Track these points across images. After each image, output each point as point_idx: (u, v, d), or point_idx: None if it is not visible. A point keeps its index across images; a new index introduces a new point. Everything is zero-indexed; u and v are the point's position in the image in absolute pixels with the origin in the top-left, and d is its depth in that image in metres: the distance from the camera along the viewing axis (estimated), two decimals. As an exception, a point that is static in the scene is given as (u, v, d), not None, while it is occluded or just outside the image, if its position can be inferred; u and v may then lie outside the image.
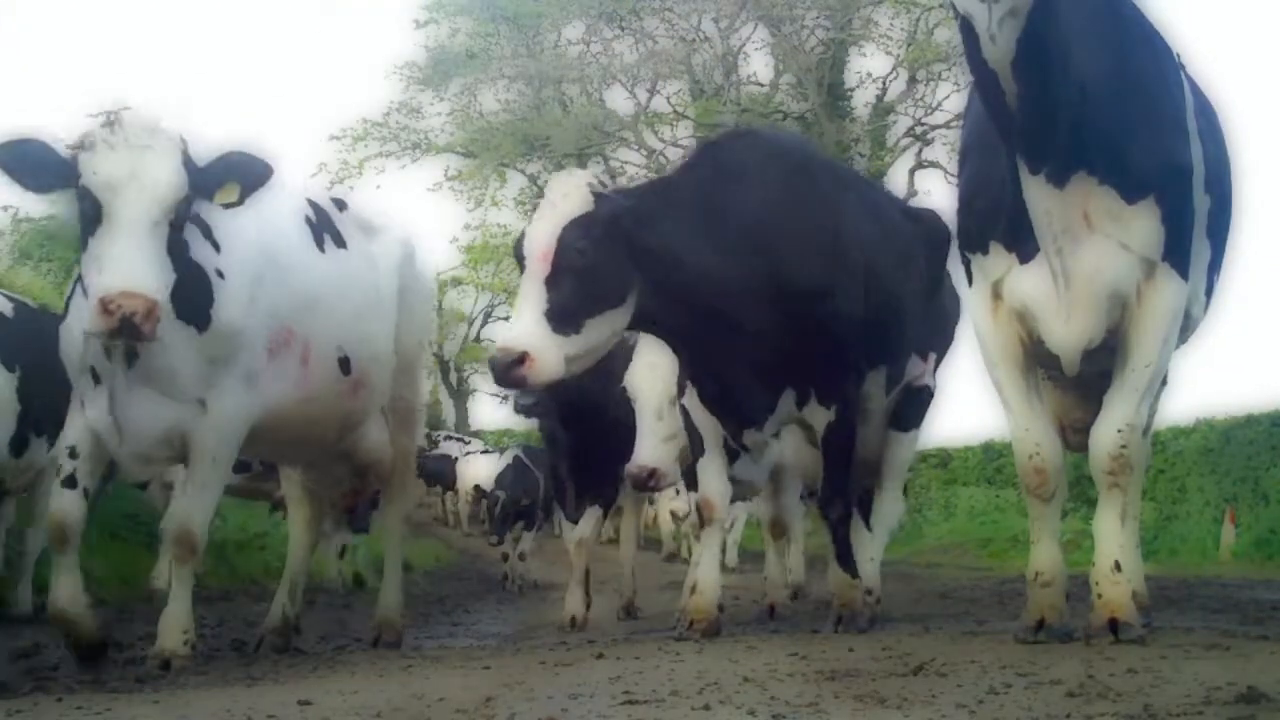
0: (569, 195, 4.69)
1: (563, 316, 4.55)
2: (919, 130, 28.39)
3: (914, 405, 6.15)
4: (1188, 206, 4.03)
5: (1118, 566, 3.97)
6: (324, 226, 5.23)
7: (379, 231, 5.72)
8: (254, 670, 4.45)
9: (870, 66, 27.80)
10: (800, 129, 27.57)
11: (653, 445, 5.85)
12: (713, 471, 5.34)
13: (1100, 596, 3.96)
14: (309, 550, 5.94)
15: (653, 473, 5.80)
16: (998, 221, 4.10)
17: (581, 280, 4.59)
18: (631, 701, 3.00)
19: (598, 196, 4.69)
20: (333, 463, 5.75)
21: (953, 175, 26.29)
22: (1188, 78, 4.37)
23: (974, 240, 4.24)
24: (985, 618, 6.30)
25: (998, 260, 4.12)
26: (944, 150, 27.69)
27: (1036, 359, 4.25)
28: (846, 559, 5.29)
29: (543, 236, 4.60)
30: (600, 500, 7.63)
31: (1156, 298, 3.98)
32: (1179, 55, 4.28)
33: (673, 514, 14.76)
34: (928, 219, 6.28)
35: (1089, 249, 3.91)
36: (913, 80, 28.06)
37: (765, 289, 4.90)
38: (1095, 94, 3.76)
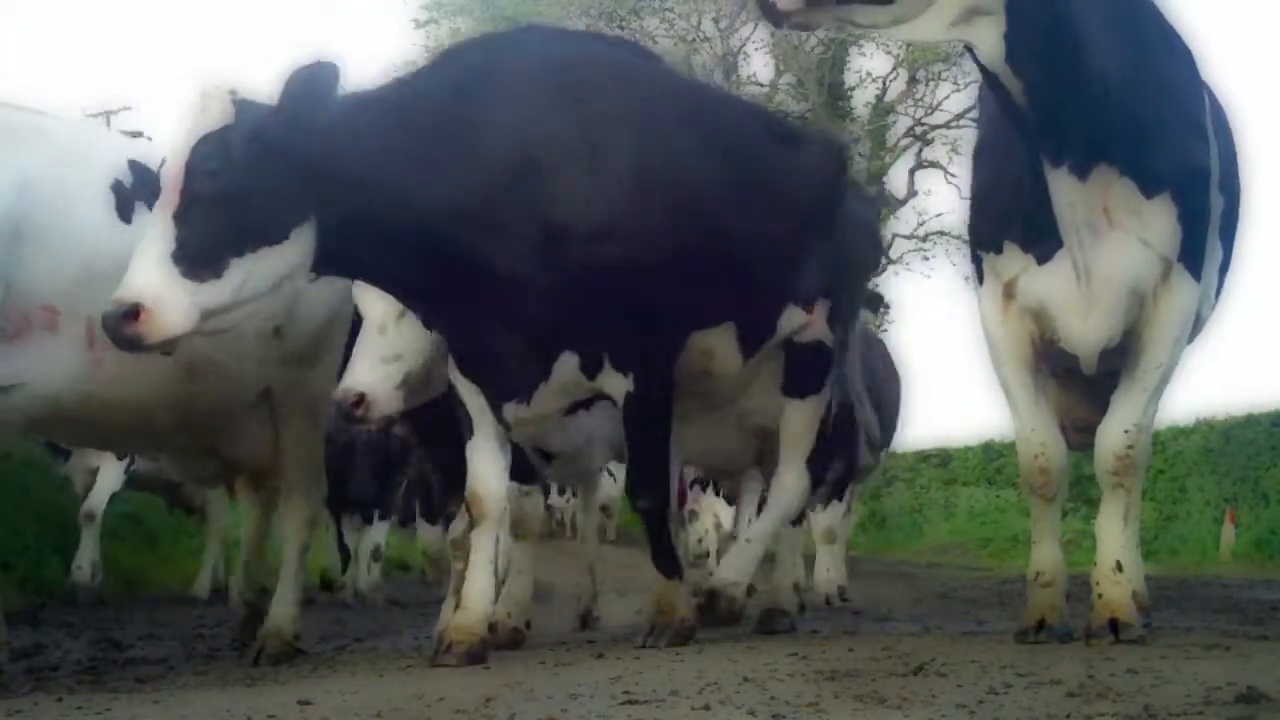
0: (206, 108, 3.83)
1: (195, 257, 3.70)
2: (919, 130, 28.46)
3: (804, 366, 5.14)
4: (1204, 207, 4.03)
5: (1119, 567, 3.97)
6: (140, 193, 4.50)
7: None
8: (254, 670, 4.45)
9: (870, 66, 27.89)
10: (800, 129, 27.58)
11: (368, 365, 4.62)
12: (483, 459, 4.40)
13: (1101, 596, 3.96)
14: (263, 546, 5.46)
15: (362, 398, 4.59)
16: (1013, 221, 4.09)
17: (218, 210, 3.74)
18: (631, 701, 3.00)
19: (241, 105, 3.85)
20: (196, 456, 5.26)
21: (953, 175, 26.39)
22: (1201, 77, 4.37)
23: (987, 239, 4.22)
24: (985, 618, 6.30)
25: (1012, 260, 4.11)
26: (944, 150, 27.76)
27: (1045, 358, 4.25)
28: (664, 556, 4.50)
29: (174, 160, 3.78)
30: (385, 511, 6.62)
31: (1171, 299, 3.98)
32: (1196, 55, 4.27)
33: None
34: (815, 142, 5.34)
35: (1109, 244, 3.90)
36: (913, 80, 28.12)
37: (514, 226, 4.06)
38: (1116, 88, 3.75)
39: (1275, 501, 14.73)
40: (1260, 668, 3.23)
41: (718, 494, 12.97)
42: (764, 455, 5.48)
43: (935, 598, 8.78)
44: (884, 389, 8.46)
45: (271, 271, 3.87)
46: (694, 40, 28.13)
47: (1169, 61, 4.03)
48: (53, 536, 9.11)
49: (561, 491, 15.49)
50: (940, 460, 23.44)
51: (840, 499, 8.10)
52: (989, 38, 3.61)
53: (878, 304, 7.62)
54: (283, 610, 4.98)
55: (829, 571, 8.56)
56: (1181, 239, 3.93)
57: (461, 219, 4.03)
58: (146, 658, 5.11)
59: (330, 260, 4.01)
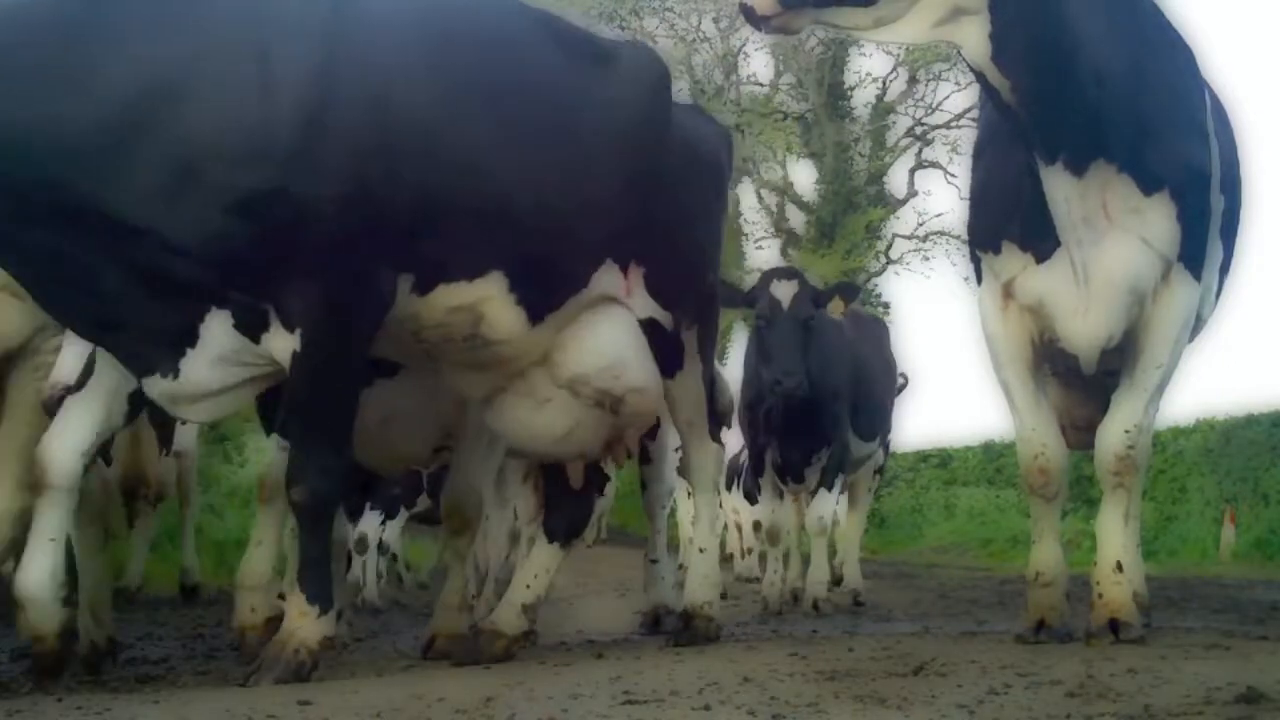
0: None
1: None
2: (919, 130, 28.46)
3: (654, 344, 4.46)
4: (1204, 208, 4.03)
5: (1119, 567, 3.98)
6: None
7: None
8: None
9: (870, 66, 27.90)
10: (800, 129, 27.63)
11: (74, 356, 3.98)
12: (57, 426, 3.82)
13: (1101, 596, 3.96)
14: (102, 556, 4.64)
15: (68, 390, 3.99)
16: (1011, 221, 4.09)
17: None
18: (631, 701, 3.00)
19: None
20: None
21: (953, 175, 26.43)
22: (1202, 77, 4.37)
23: (986, 239, 4.23)
24: (985, 618, 6.30)
25: (1011, 260, 4.11)
26: (944, 150, 27.78)
27: (1045, 358, 4.25)
28: (311, 570, 3.70)
29: None
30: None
31: (1171, 298, 3.98)
32: (1196, 54, 4.28)
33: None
34: (629, 58, 4.41)
35: (1109, 242, 3.90)
36: (913, 80, 28.12)
37: (144, 165, 3.35)
38: (1113, 84, 3.76)
39: (1275, 501, 14.73)
40: (1260, 668, 3.23)
41: (738, 490, 12.71)
42: (614, 439, 4.59)
43: (935, 598, 8.77)
44: (874, 377, 8.21)
45: None
46: (694, 40, 28.14)
47: (1169, 60, 4.03)
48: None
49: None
50: (940, 460, 23.44)
51: (830, 489, 7.74)
52: (974, 38, 3.62)
53: (852, 293, 7.35)
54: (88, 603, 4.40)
55: (820, 571, 8.32)
56: (1181, 238, 3.93)
57: (76, 160, 3.32)
58: (146, 658, 5.10)
59: None
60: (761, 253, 28.78)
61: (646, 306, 4.41)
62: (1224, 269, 4.62)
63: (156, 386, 3.65)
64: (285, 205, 3.45)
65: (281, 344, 3.58)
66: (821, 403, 7.12)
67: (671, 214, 4.44)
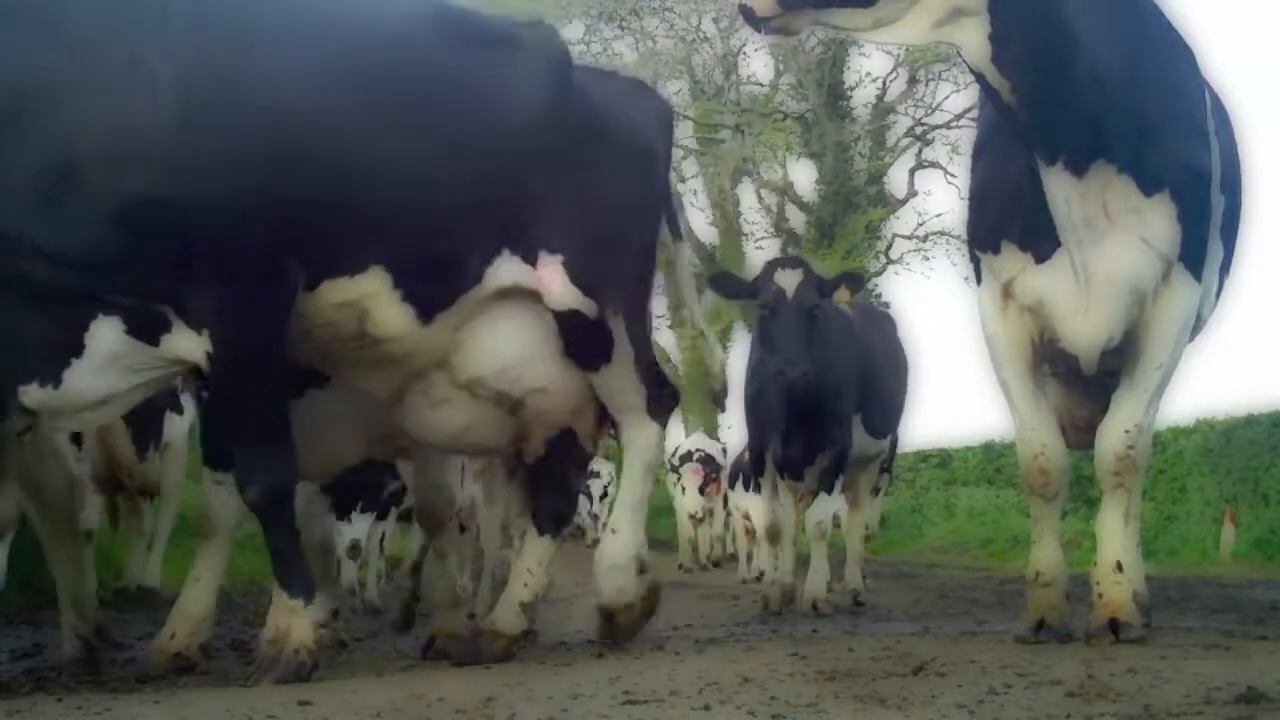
0: None
1: None
2: (919, 130, 28.44)
3: (573, 339, 4.29)
4: (1204, 208, 4.04)
5: (1120, 567, 3.98)
6: None
7: None
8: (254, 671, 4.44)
9: (870, 66, 27.88)
10: (800, 129, 27.64)
11: None
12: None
13: (1101, 596, 3.97)
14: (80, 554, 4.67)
15: None
16: (1011, 221, 4.10)
17: None
18: (631, 701, 3.01)
19: None
20: None
21: (953, 175, 26.42)
22: (1203, 77, 4.37)
23: (985, 239, 4.23)
24: (985, 618, 6.30)
25: (1010, 260, 4.12)
26: (944, 150, 27.76)
27: (1045, 358, 4.25)
28: (285, 566, 3.75)
29: None
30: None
31: (1171, 299, 3.99)
32: (1196, 54, 4.28)
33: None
34: (527, 42, 4.30)
35: (1109, 243, 3.91)
36: (913, 80, 28.11)
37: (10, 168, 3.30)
38: (1113, 85, 3.76)
39: (1275, 501, 14.71)
40: (1260, 668, 3.23)
41: (747, 488, 12.59)
42: (520, 436, 4.50)
43: (935, 598, 8.76)
44: (883, 372, 8.07)
45: None
46: (694, 40, 28.12)
47: (1169, 60, 4.03)
48: (53, 537, 9.06)
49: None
50: (940, 460, 23.42)
51: (829, 491, 7.65)
52: (973, 39, 3.63)
53: (858, 283, 7.22)
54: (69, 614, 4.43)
55: (819, 572, 8.20)
56: (1182, 238, 3.93)
57: None
58: (147, 657, 5.11)
59: None
60: (761, 253, 28.77)
61: (567, 297, 4.20)
62: (1224, 269, 4.63)
63: (33, 396, 3.51)
64: (156, 207, 3.38)
65: (189, 344, 3.56)
66: (825, 399, 7.02)
67: (587, 199, 4.25)
